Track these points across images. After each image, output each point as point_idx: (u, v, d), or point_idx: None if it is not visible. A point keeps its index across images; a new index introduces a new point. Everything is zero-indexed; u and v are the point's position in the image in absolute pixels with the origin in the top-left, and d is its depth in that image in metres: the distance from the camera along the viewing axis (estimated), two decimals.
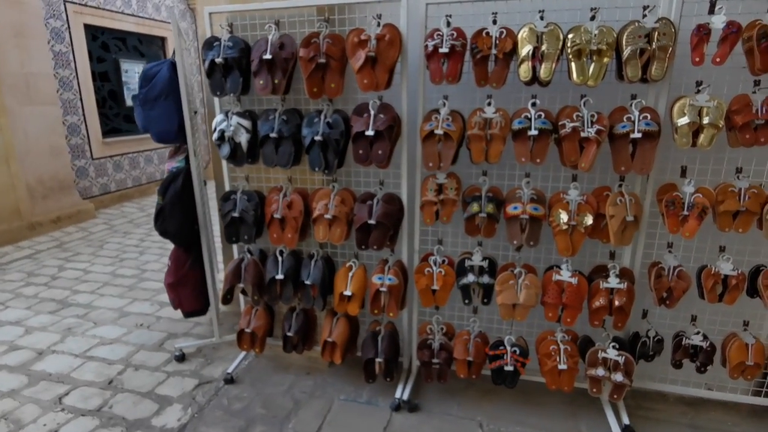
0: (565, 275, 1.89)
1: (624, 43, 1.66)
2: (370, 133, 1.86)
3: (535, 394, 2.20)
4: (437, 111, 1.89)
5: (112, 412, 2.16)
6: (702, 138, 1.66)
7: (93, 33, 5.92)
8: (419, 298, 2.08)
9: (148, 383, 2.37)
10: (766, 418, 2.05)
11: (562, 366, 1.92)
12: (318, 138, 1.92)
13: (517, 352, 1.99)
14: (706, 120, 1.64)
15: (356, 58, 1.80)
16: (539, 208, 1.84)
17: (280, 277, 2.16)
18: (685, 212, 1.73)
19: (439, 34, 1.79)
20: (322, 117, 1.95)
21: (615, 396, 1.95)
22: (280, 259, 2.20)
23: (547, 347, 1.98)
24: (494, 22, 1.77)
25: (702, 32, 1.59)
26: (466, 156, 1.91)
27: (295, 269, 2.19)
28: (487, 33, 1.77)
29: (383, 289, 2.01)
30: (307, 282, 2.14)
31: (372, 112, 1.88)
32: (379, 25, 1.82)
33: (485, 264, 1.98)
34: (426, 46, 1.81)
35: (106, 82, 6.25)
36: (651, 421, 2.07)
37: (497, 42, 1.75)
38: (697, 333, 1.91)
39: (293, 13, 2.02)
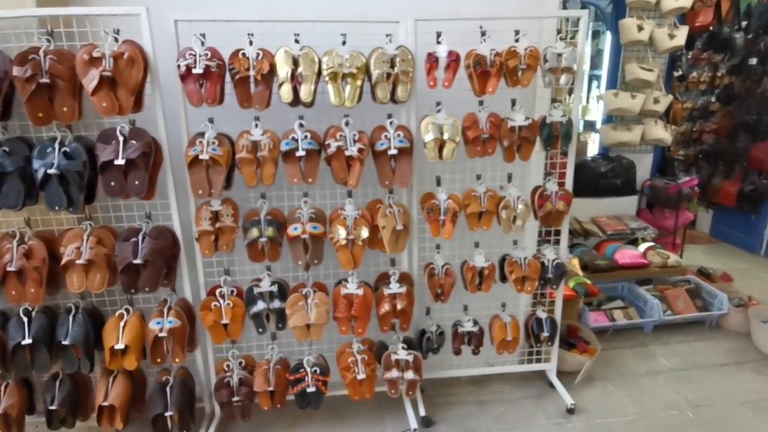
0: (351, 288, 1.95)
1: (372, 66, 1.79)
2: (120, 162, 1.64)
3: (344, 408, 2.23)
4: (202, 135, 1.77)
5: None
6: (445, 151, 1.89)
7: None
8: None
9: None
10: (533, 380, 2.45)
11: (361, 376, 1.98)
12: (53, 171, 1.62)
13: (318, 371, 1.98)
14: (446, 136, 1.87)
15: (89, 78, 1.57)
16: (319, 227, 1.87)
17: (27, 341, 1.76)
18: (442, 217, 1.95)
19: (191, 54, 1.67)
20: (57, 146, 1.65)
21: (410, 392, 2.09)
22: (26, 319, 1.79)
23: (346, 360, 2.02)
24: (250, 43, 1.74)
25: (432, 59, 1.81)
26: (241, 185, 1.83)
27: (49, 329, 1.81)
28: (243, 54, 1.72)
29: (163, 334, 1.79)
30: (66, 342, 1.79)
31: (121, 138, 1.67)
32: (117, 40, 1.63)
33: (275, 288, 1.93)
34: (179, 66, 1.68)
35: None
36: (446, 405, 2.28)
37: (254, 63, 1.72)
38: (469, 320, 2.17)
39: (6, 24, 1.68)
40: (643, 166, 3.62)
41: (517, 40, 1.85)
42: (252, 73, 1.72)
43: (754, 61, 3.88)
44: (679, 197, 3.36)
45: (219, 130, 1.81)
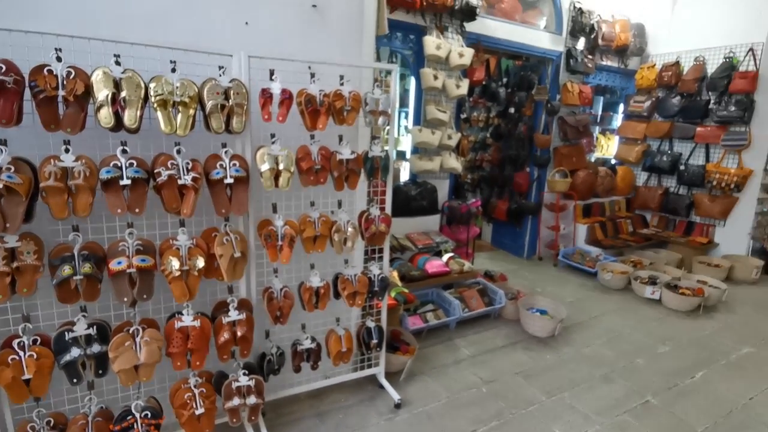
0: (187, 320, 1.88)
1: (206, 97, 1.80)
2: None
3: None
4: None
5: None
6: (281, 180, 2.01)
7: None
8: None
9: None
10: (365, 385, 2.70)
11: (200, 410, 1.90)
12: None
13: (149, 415, 1.83)
14: (281, 166, 1.99)
15: None
16: (148, 259, 1.76)
17: None
18: (280, 242, 2.05)
19: None
20: None
21: (252, 417, 2.10)
22: None
23: (182, 397, 1.92)
24: (59, 59, 1.57)
25: (266, 95, 1.93)
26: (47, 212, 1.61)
27: None
28: (50, 70, 1.54)
29: None
30: None
31: None
32: None
33: (93, 331, 1.72)
34: None
35: None
36: (288, 423, 2.35)
37: (64, 82, 1.56)
38: (307, 338, 2.30)
39: None
40: (443, 190, 4.36)
41: (342, 84, 2.11)
42: (62, 92, 1.55)
43: (512, 109, 5.09)
44: (469, 215, 4.17)
45: (14, 153, 1.56)
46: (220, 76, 1.85)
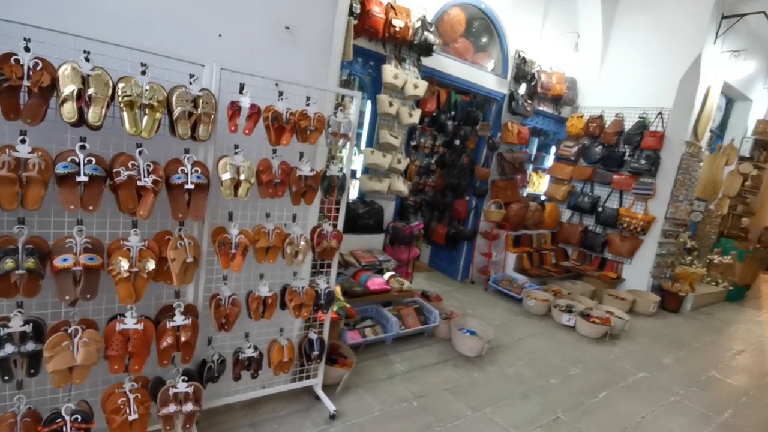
0: (129, 323, 1.86)
1: (174, 103, 1.83)
2: None
3: None
4: None
5: None
6: (241, 190, 2.07)
7: None
8: None
9: None
10: (302, 396, 2.75)
11: (133, 416, 1.87)
12: None
13: (79, 419, 1.77)
14: (242, 176, 2.05)
15: None
16: (96, 258, 1.73)
17: None
18: (233, 250, 2.09)
19: None
20: None
21: (187, 425, 2.08)
22: None
23: (115, 402, 1.87)
24: (27, 49, 1.55)
25: (235, 108, 1.99)
26: None
27: None
28: (17, 60, 1.52)
29: None
30: None
31: None
32: None
33: (28, 328, 1.66)
34: None
35: None
36: None
37: (30, 73, 1.54)
38: (250, 347, 2.33)
39: None
40: (389, 211, 4.55)
41: (308, 105, 2.22)
42: (26, 83, 1.53)
43: (458, 141, 5.44)
44: (412, 236, 4.38)
45: None
46: (190, 83, 1.90)
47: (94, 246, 1.77)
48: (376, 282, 3.75)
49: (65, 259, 1.67)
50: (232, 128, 2.00)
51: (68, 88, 1.60)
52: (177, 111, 1.83)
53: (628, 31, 5.69)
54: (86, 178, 1.65)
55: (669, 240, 5.75)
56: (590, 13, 5.68)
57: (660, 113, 5.42)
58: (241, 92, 2.03)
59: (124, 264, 1.79)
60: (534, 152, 6.75)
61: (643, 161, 5.45)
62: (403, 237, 4.36)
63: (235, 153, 2.06)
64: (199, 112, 1.88)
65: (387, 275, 3.98)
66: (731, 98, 6.86)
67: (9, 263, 1.57)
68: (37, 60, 1.55)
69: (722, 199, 6.83)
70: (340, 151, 2.51)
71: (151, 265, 1.86)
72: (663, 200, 5.48)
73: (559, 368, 3.68)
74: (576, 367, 3.75)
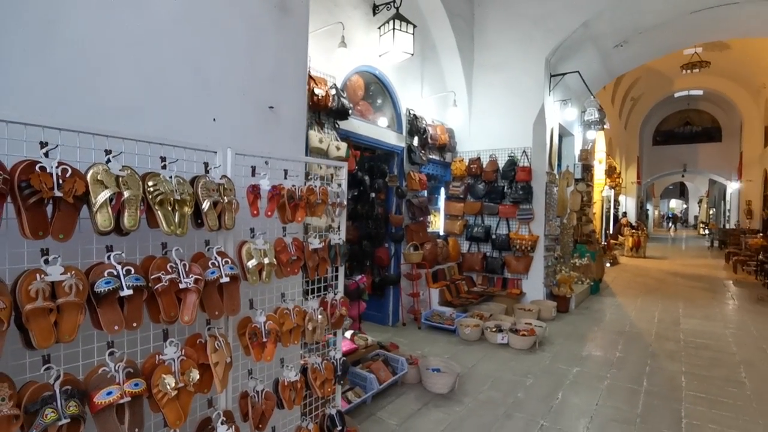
0: None
1: (200, 194, 1.73)
2: None
3: None
4: None
5: None
6: (264, 274, 1.99)
7: None
8: None
9: None
10: None
11: None
12: None
13: None
14: (266, 260, 1.98)
15: None
16: (141, 383, 1.49)
17: None
18: (264, 339, 1.97)
19: None
20: None
21: None
22: None
23: None
24: (46, 154, 1.35)
25: (256, 191, 1.95)
26: (13, 341, 1.26)
27: None
28: (42, 168, 1.31)
29: None
30: None
31: None
32: None
33: None
34: None
35: None
36: None
37: (60, 181, 1.34)
38: None
39: None
40: None
41: (308, 179, 2.26)
42: (58, 193, 1.32)
43: (373, 194, 5.76)
44: (358, 291, 4.45)
45: None
46: (207, 171, 1.81)
47: (134, 369, 1.52)
48: (345, 344, 3.70)
49: (110, 393, 1.42)
50: (254, 212, 1.95)
51: (103, 193, 1.42)
52: (206, 202, 1.73)
53: (487, 87, 6.88)
54: (130, 291, 1.45)
55: (549, 253, 6.86)
56: (455, 76, 6.72)
57: (524, 151, 6.60)
58: (253, 175, 1.99)
59: (170, 381, 1.57)
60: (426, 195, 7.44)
61: (520, 192, 6.51)
62: (350, 293, 4.40)
63: (253, 237, 1.99)
64: (225, 200, 1.80)
65: (348, 334, 3.96)
66: (561, 135, 8.67)
67: (50, 415, 1.28)
68: (65, 166, 1.36)
69: (571, 214, 8.43)
70: (333, 220, 2.56)
71: (196, 375, 1.66)
72: (540, 221, 6.58)
73: (517, 383, 4.08)
74: (528, 377, 4.20)
